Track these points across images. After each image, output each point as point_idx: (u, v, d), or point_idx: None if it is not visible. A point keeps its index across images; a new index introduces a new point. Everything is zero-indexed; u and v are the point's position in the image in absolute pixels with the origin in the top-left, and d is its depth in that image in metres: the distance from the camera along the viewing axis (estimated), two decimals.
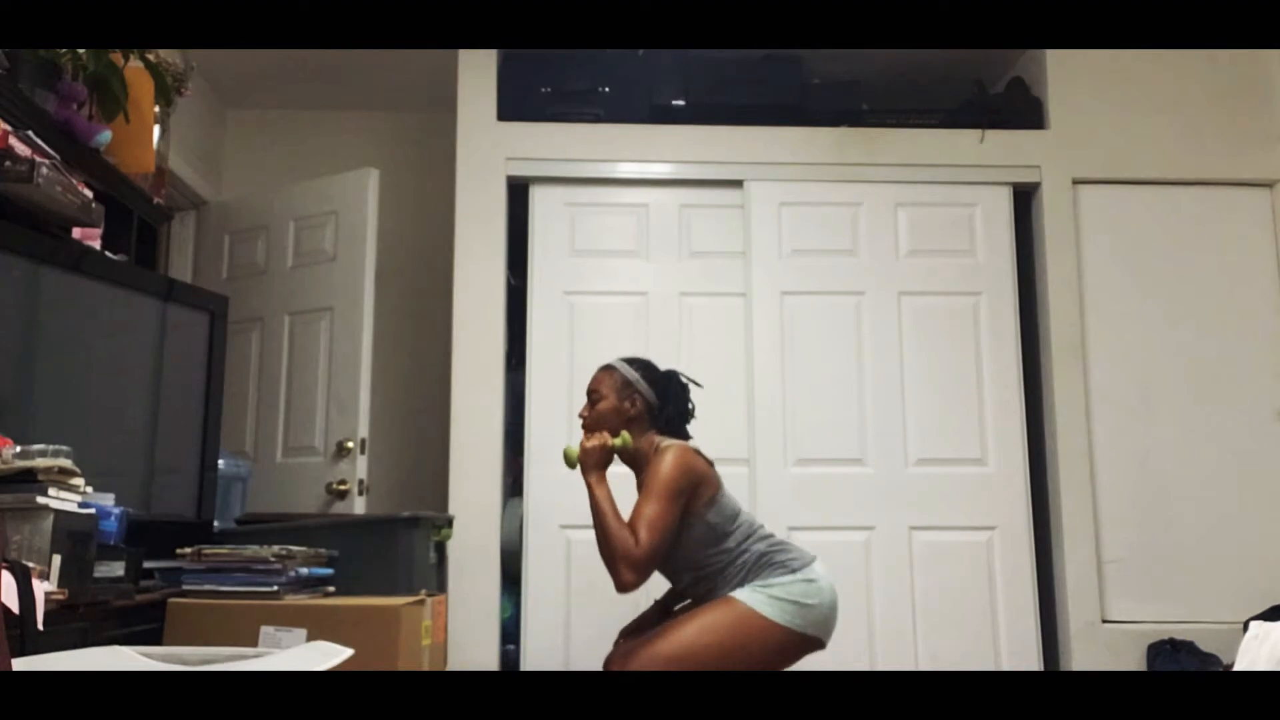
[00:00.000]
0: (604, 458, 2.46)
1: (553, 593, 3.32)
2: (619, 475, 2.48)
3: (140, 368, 2.54)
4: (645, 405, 2.53)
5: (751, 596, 2.37)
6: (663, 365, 2.64)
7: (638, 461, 2.52)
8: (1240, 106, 3.62)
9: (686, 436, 2.58)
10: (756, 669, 2.36)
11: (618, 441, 2.48)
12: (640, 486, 2.47)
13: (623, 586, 2.33)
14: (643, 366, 2.58)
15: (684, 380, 2.62)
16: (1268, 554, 3.38)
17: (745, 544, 2.44)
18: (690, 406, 2.62)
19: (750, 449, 3.40)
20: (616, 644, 2.58)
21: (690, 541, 2.43)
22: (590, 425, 2.55)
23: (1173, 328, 3.52)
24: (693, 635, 2.36)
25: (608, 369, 2.59)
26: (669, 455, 2.41)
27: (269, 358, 3.76)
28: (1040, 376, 3.54)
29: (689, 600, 2.59)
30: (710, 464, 2.49)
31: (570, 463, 2.49)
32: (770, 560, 2.42)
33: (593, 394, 2.58)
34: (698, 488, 2.41)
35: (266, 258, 3.86)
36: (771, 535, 2.51)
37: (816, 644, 2.42)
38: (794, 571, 2.41)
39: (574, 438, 3.38)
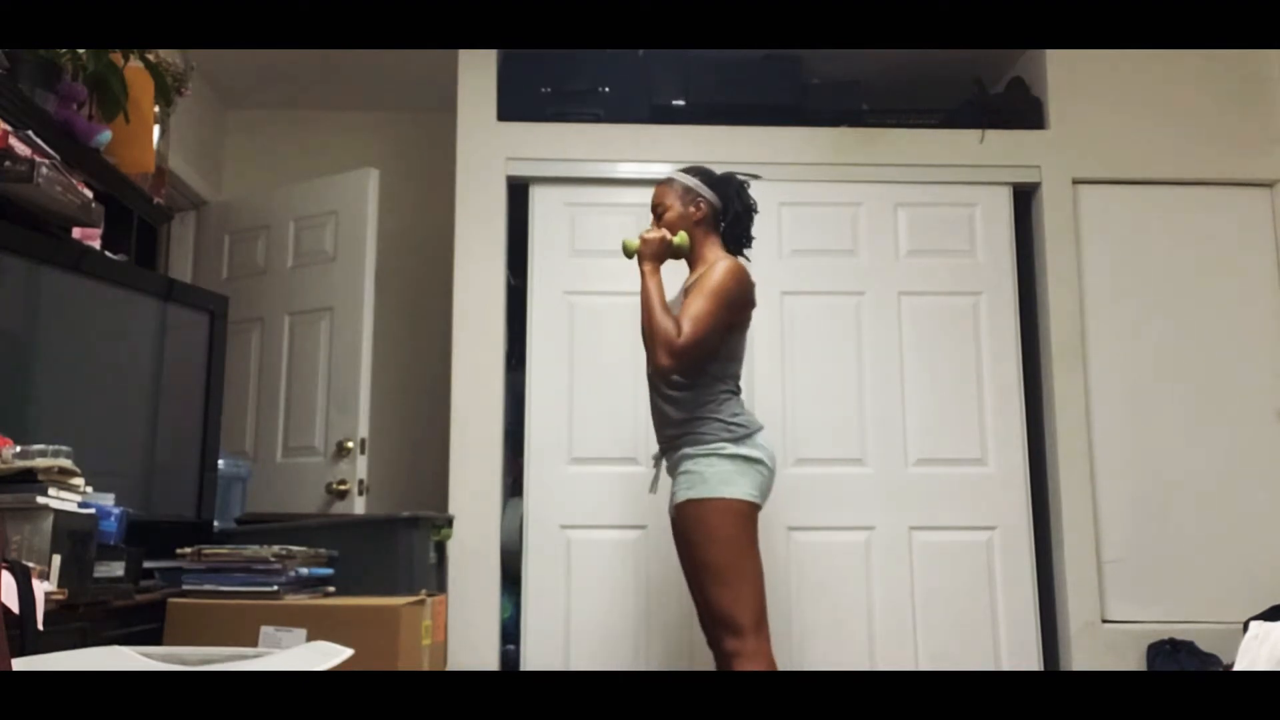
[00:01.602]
0: (662, 249, 2.54)
1: (553, 593, 3.32)
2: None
3: (140, 368, 2.54)
4: (709, 207, 2.61)
5: (720, 486, 2.41)
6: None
7: (693, 265, 2.60)
8: (1240, 106, 3.62)
9: (750, 242, 2.66)
10: (753, 543, 2.44)
11: (677, 240, 2.55)
12: (691, 287, 2.54)
13: (659, 370, 2.46)
14: (700, 173, 2.66)
15: (741, 178, 2.69)
16: (1268, 554, 3.38)
17: (712, 383, 2.48)
18: (753, 203, 2.68)
19: None
20: None
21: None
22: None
23: (1173, 328, 3.52)
24: (708, 573, 2.41)
25: (666, 181, 2.65)
26: (727, 263, 2.49)
27: (269, 358, 3.76)
28: (1040, 376, 3.53)
29: None
30: (754, 303, 2.56)
31: (629, 253, 2.57)
32: (733, 421, 2.47)
33: (657, 207, 2.65)
34: (745, 307, 2.50)
35: (266, 258, 3.86)
36: (737, 396, 2.55)
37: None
38: (737, 440, 2.45)
39: (574, 440, 3.41)
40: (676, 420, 2.51)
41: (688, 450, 2.48)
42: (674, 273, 2.63)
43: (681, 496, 2.47)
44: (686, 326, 2.42)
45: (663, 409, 2.56)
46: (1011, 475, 3.42)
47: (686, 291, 2.58)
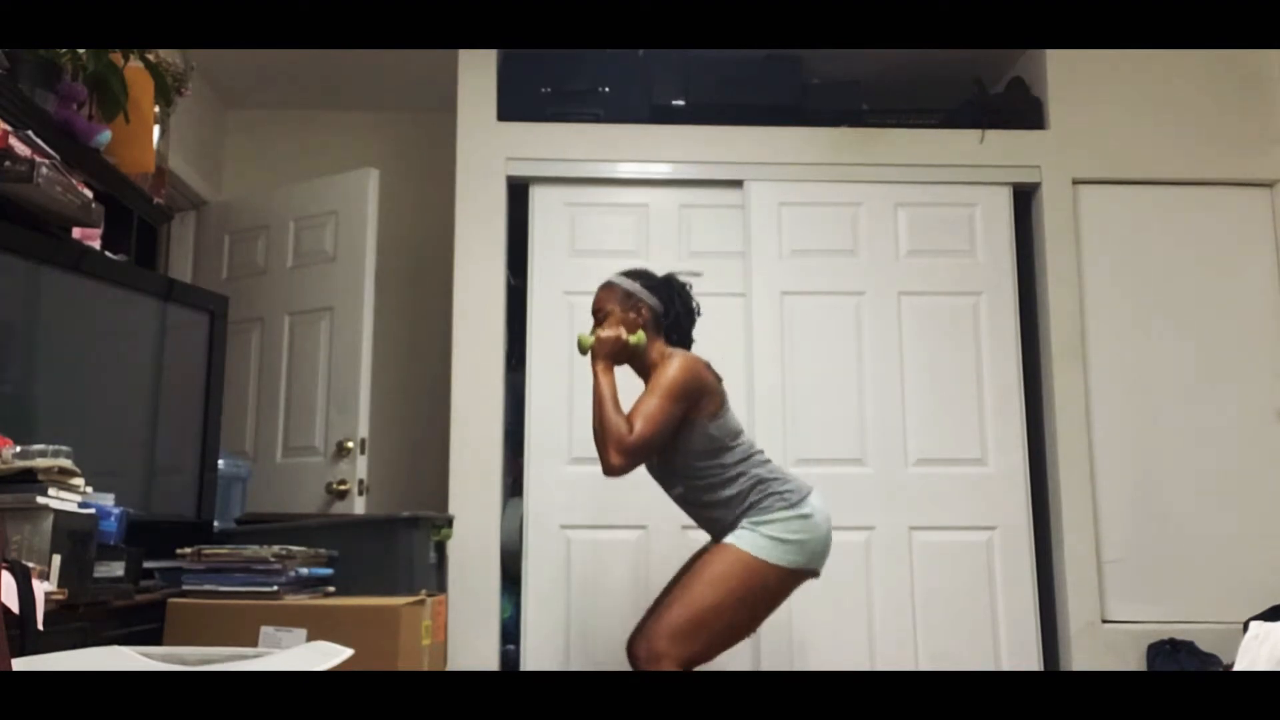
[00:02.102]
0: (616, 350, 2.52)
1: (553, 593, 3.32)
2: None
3: (140, 368, 2.54)
4: (651, 312, 2.58)
5: (751, 541, 2.41)
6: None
7: (645, 368, 2.57)
8: (1240, 106, 3.62)
9: (691, 344, 2.64)
10: (762, 610, 2.45)
11: (633, 339, 2.54)
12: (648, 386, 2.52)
13: (609, 469, 2.40)
14: (640, 276, 2.64)
15: (683, 279, 2.67)
16: (1268, 554, 3.38)
17: (743, 466, 2.48)
18: (695, 305, 2.67)
19: None
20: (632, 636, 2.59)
21: (688, 449, 2.47)
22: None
23: (1173, 328, 3.52)
24: (700, 595, 2.40)
25: (607, 286, 2.63)
26: (676, 360, 2.47)
27: (269, 358, 3.76)
28: (1040, 376, 3.54)
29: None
30: (719, 379, 2.54)
31: (583, 349, 2.55)
32: (768, 490, 2.46)
33: (598, 312, 2.62)
34: (701, 397, 2.46)
35: (266, 258, 3.86)
36: (770, 461, 2.54)
37: (812, 574, 2.49)
38: (791, 506, 2.44)
39: (574, 440, 3.41)
40: (732, 514, 2.47)
41: (740, 515, 2.45)
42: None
43: (723, 539, 2.45)
44: (638, 424, 2.38)
45: (712, 517, 2.52)
46: (1011, 475, 3.42)
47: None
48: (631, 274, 2.64)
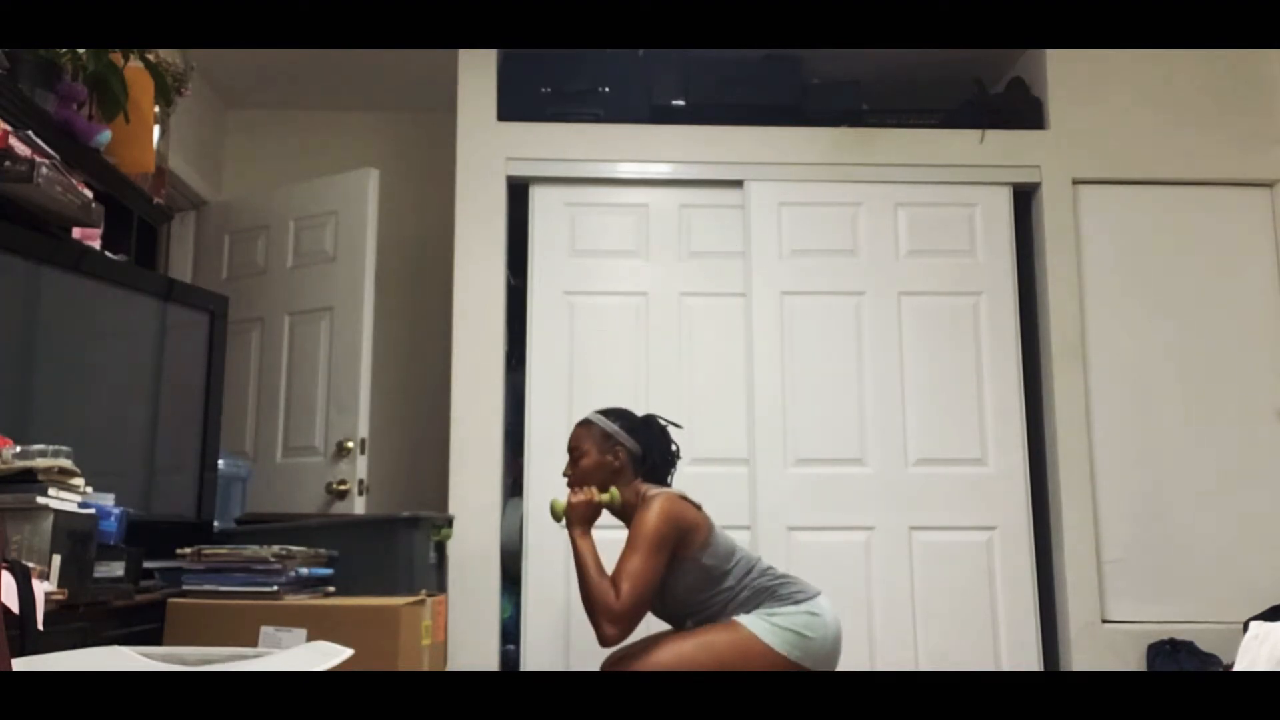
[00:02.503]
0: (590, 513, 2.49)
1: (553, 593, 3.32)
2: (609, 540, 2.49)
3: (140, 368, 2.54)
4: (629, 455, 2.54)
5: (755, 623, 2.38)
6: (639, 408, 2.67)
7: (625, 514, 2.52)
8: (1240, 106, 3.62)
9: (669, 483, 2.59)
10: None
11: (605, 498, 2.50)
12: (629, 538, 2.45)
13: (604, 640, 2.36)
14: (620, 416, 2.59)
15: (663, 423, 2.63)
16: (1267, 554, 3.38)
17: (746, 580, 2.44)
18: (674, 449, 2.62)
19: (750, 449, 3.40)
20: (609, 659, 2.58)
21: (686, 587, 2.43)
22: (575, 482, 2.56)
23: (1173, 328, 3.52)
24: (691, 651, 2.37)
25: (585, 424, 2.59)
26: (655, 505, 2.40)
27: (269, 358, 3.76)
28: (1040, 376, 3.54)
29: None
30: (699, 508, 2.49)
31: (556, 517, 2.53)
32: (775, 593, 2.43)
33: (574, 451, 2.58)
34: (686, 535, 2.40)
35: (266, 258, 3.86)
36: (773, 568, 2.50)
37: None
38: (798, 603, 2.41)
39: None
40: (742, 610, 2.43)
41: (757, 611, 2.41)
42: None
43: (736, 617, 2.41)
44: (624, 586, 2.33)
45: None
46: (1011, 475, 3.42)
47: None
48: (610, 413, 2.60)
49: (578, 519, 2.47)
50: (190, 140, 3.89)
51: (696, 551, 2.41)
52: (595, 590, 2.35)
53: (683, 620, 2.51)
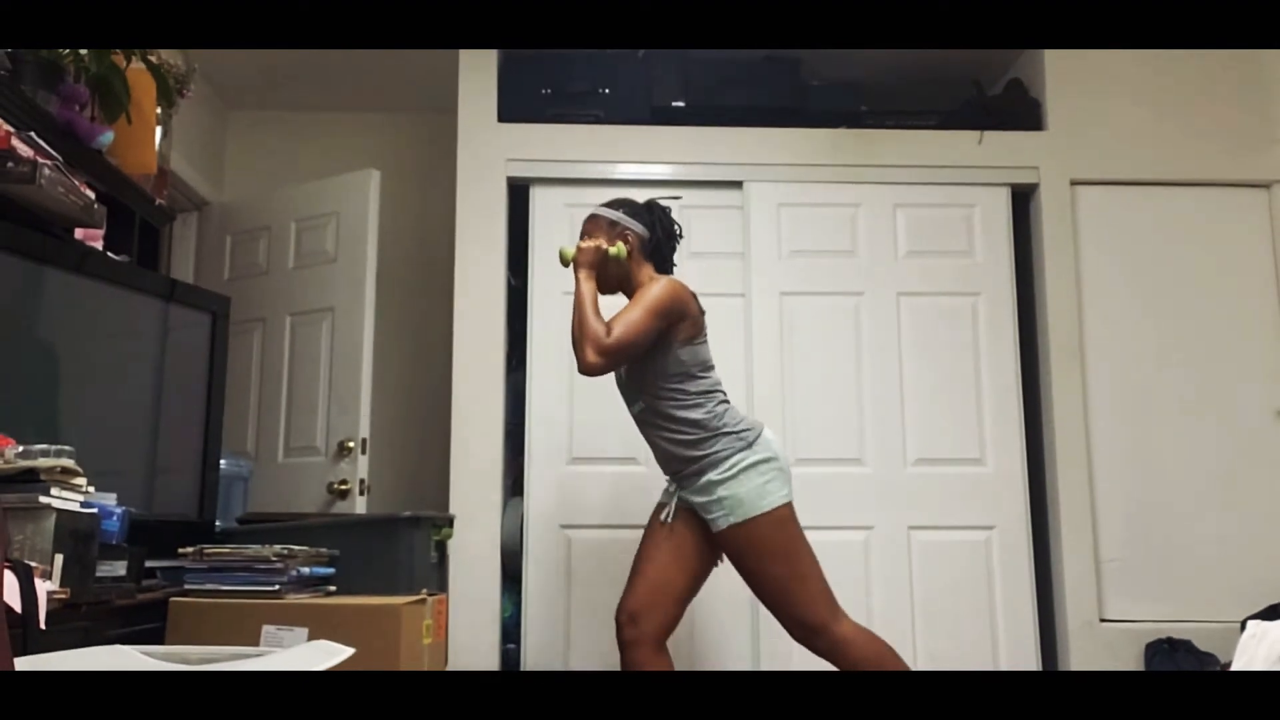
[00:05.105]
0: (597, 258, 2.58)
1: (553, 593, 3.33)
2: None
3: (142, 368, 2.55)
4: (636, 238, 2.64)
5: (750, 503, 2.45)
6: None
7: (632, 291, 2.61)
8: (1239, 107, 3.62)
9: (673, 268, 2.71)
10: (805, 540, 2.52)
11: (613, 250, 2.59)
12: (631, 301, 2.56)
13: (585, 366, 2.45)
14: (623, 204, 2.70)
15: (664, 204, 2.73)
16: (1266, 553, 3.39)
17: (703, 398, 2.52)
18: (676, 228, 2.72)
19: None
20: None
21: (656, 366, 2.52)
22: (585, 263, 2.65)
23: (1171, 328, 3.52)
24: (774, 574, 2.49)
25: (592, 218, 2.70)
26: (664, 280, 2.54)
27: (270, 358, 3.77)
28: (1038, 376, 3.54)
29: None
30: (702, 311, 2.59)
31: (565, 261, 2.61)
32: (722, 428, 2.50)
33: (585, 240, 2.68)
34: (681, 318, 2.51)
35: (268, 258, 3.87)
36: (730, 404, 2.58)
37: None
38: (749, 447, 2.49)
39: (574, 440, 3.42)
40: (686, 447, 2.52)
41: (712, 476, 2.48)
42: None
43: (724, 524, 2.48)
44: (616, 329, 2.44)
45: (665, 447, 2.56)
46: (1010, 475, 3.43)
47: None
48: (614, 203, 2.70)
49: (585, 261, 2.56)
50: (192, 141, 3.89)
51: (681, 341, 2.52)
52: (589, 322, 2.45)
53: (635, 399, 2.59)
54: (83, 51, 2.48)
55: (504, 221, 3.52)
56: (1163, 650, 3.25)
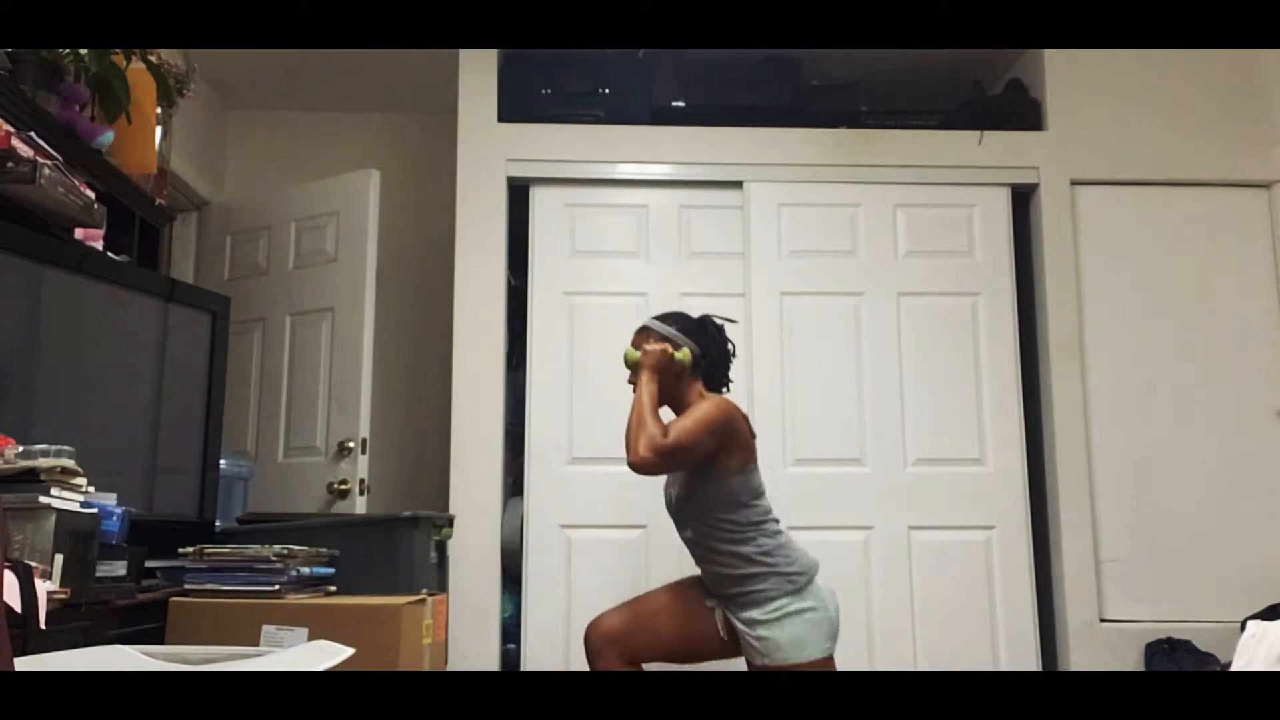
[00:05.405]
0: (663, 361, 2.55)
1: (553, 593, 3.33)
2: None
3: (142, 368, 2.55)
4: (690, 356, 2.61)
5: (790, 647, 2.42)
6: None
7: (682, 409, 2.58)
8: (1238, 107, 3.62)
9: (728, 387, 2.68)
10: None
11: (679, 355, 2.57)
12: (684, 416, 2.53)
13: (637, 461, 2.42)
14: (676, 320, 2.66)
15: (718, 322, 2.70)
16: (1266, 553, 3.39)
17: (753, 530, 2.48)
18: (730, 347, 2.70)
19: None
20: None
21: (708, 495, 2.50)
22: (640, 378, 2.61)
23: (1171, 328, 3.52)
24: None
25: (643, 330, 2.66)
26: (715, 398, 2.53)
27: (270, 358, 3.77)
28: (1038, 376, 3.54)
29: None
30: (754, 435, 2.56)
31: (629, 363, 2.59)
32: (774, 569, 2.46)
33: None
34: (733, 441, 2.48)
35: (268, 258, 3.87)
36: (782, 532, 2.56)
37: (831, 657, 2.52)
38: (797, 592, 2.46)
39: (574, 440, 3.42)
40: (733, 582, 2.50)
41: (755, 614, 2.47)
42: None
43: (758, 661, 2.48)
44: (672, 433, 2.42)
45: (715, 572, 2.55)
46: (1010, 475, 3.43)
47: None
48: (667, 318, 2.66)
49: (649, 364, 2.54)
50: (192, 141, 3.89)
51: (734, 470, 2.48)
52: (648, 420, 2.43)
53: (686, 525, 2.57)
54: (83, 51, 2.48)
55: (504, 221, 3.52)
56: (1163, 650, 3.25)
